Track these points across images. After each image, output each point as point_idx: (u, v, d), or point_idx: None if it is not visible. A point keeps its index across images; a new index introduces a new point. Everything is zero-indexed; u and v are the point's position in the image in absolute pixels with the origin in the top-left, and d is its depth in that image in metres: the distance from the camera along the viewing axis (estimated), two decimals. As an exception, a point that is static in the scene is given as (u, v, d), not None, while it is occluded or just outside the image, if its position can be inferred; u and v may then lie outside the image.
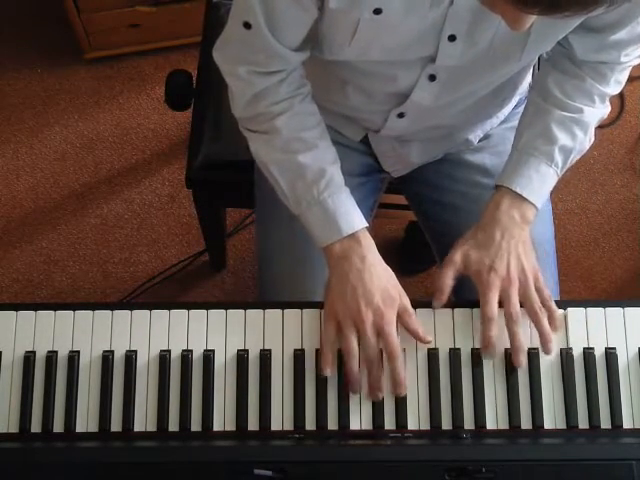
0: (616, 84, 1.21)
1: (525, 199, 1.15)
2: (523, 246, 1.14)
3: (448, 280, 1.14)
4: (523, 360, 1.09)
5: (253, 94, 1.14)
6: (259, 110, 1.15)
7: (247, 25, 1.06)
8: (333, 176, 1.15)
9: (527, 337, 1.11)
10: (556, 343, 1.11)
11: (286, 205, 1.18)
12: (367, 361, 1.08)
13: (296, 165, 1.15)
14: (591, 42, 1.13)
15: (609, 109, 1.23)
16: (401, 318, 1.11)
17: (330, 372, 1.08)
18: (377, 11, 1.01)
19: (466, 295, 1.17)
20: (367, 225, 1.15)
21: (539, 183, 1.17)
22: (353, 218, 1.13)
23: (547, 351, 1.10)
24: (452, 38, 1.06)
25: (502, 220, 1.14)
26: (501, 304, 1.11)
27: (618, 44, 1.13)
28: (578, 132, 1.18)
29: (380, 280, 1.11)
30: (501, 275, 1.11)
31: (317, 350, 1.11)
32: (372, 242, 1.14)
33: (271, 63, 1.11)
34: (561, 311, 1.13)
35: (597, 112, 1.20)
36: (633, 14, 1.08)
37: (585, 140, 1.20)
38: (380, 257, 1.14)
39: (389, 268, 1.14)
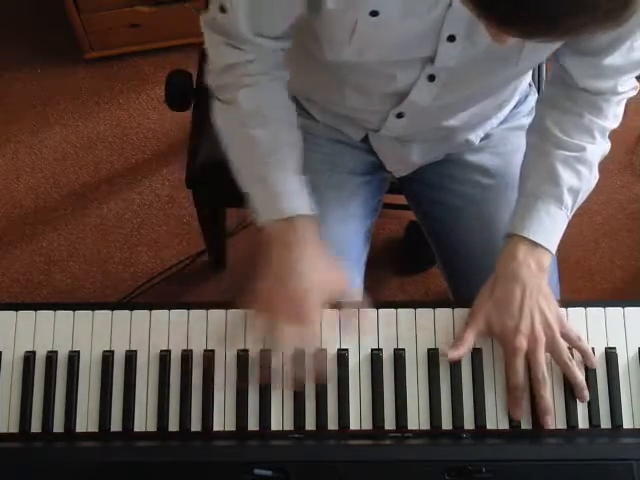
0: (614, 118, 1.19)
1: (539, 245, 1.12)
2: (545, 298, 1.10)
3: (470, 340, 1.09)
4: (550, 421, 1.07)
5: (225, 64, 1.13)
6: (228, 80, 1.14)
7: (222, 9, 1.06)
8: (286, 157, 1.11)
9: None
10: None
11: (237, 180, 1.15)
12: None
13: (249, 139, 1.12)
14: (587, 66, 1.13)
15: (609, 145, 1.20)
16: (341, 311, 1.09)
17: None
18: (373, 13, 1.01)
19: (466, 295, 1.17)
20: (311, 213, 1.10)
21: (551, 227, 1.14)
22: (298, 201, 1.09)
23: (582, 399, 1.08)
24: (451, 39, 1.06)
25: (520, 273, 1.10)
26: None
27: (615, 71, 1.12)
28: (583, 170, 1.15)
29: (315, 272, 1.07)
30: (527, 335, 1.08)
31: (317, 350, 1.11)
32: (311, 230, 1.09)
33: (243, 46, 1.11)
34: (562, 310, 1.13)
35: (599, 149, 1.18)
36: (623, 37, 1.08)
37: (591, 178, 1.17)
38: (316, 247, 1.09)
39: (329, 259, 1.10)
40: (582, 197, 1.18)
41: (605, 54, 1.10)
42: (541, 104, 1.22)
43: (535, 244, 1.12)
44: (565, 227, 1.16)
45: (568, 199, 1.15)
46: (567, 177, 1.15)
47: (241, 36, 1.08)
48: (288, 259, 1.07)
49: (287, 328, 1.05)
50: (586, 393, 1.08)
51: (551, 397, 1.08)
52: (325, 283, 1.08)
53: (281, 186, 1.10)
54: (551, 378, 1.10)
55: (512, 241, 1.13)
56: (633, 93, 1.19)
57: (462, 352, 1.09)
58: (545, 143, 1.17)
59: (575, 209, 1.18)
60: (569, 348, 1.10)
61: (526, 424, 1.09)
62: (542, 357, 1.08)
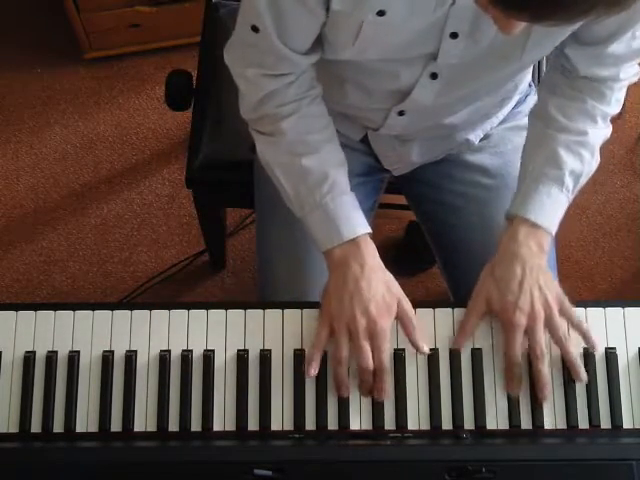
0: (616, 103, 1.20)
1: (540, 227, 1.13)
2: (543, 276, 1.12)
3: (472, 327, 1.11)
4: (547, 395, 1.09)
5: (261, 96, 1.14)
6: (266, 112, 1.16)
7: (255, 29, 1.06)
8: (336, 180, 1.14)
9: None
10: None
11: (290, 208, 1.18)
12: (358, 368, 1.08)
13: (299, 168, 1.15)
14: (589, 55, 1.13)
15: (611, 129, 1.21)
16: (401, 322, 1.11)
17: (314, 372, 1.08)
18: (381, 13, 1.01)
19: (466, 294, 1.16)
20: (369, 231, 1.14)
21: (552, 209, 1.15)
22: (355, 223, 1.13)
23: (578, 379, 1.09)
24: (454, 36, 1.06)
25: (520, 253, 1.12)
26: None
27: (617, 59, 1.13)
28: (585, 154, 1.17)
29: (378, 288, 1.10)
30: (526, 312, 1.09)
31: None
32: (373, 248, 1.14)
33: (280, 66, 1.11)
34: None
35: (601, 133, 1.19)
36: (625, 27, 1.08)
37: (592, 161, 1.18)
38: (381, 263, 1.14)
39: (389, 273, 1.14)
40: (583, 180, 1.19)
41: (607, 43, 1.11)
42: (543, 89, 1.22)
43: (536, 225, 1.14)
44: (566, 209, 1.18)
45: (569, 182, 1.16)
46: (569, 161, 1.16)
47: (277, 53, 1.08)
48: (350, 278, 1.11)
49: (366, 344, 1.08)
50: (583, 372, 1.09)
51: (549, 371, 1.09)
52: (388, 298, 1.11)
53: (337, 211, 1.13)
54: (551, 377, 1.10)
55: (513, 222, 1.15)
56: (635, 79, 1.19)
57: (465, 339, 1.11)
58: (548, 127, 1.18)
59: (576, 192, 1.19)
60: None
61: (526, 424, 1.09)
62: (541, 333, 1.09)
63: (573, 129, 1.17)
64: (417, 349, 1.10)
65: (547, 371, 1.08)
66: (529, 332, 1.09)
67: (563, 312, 1.11)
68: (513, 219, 1.15)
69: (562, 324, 1.10)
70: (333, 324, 1.09)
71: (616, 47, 1.11)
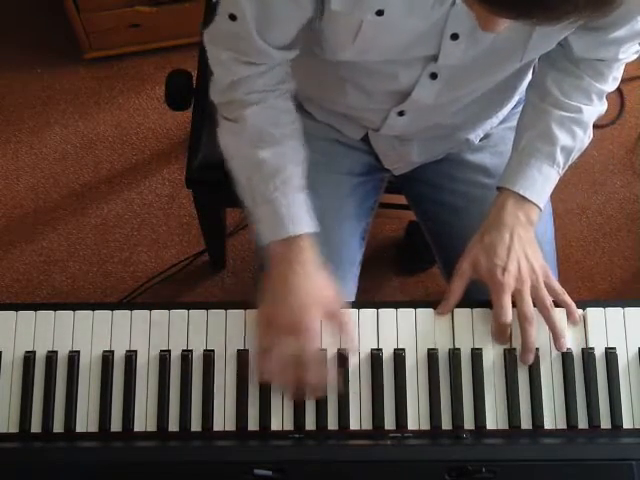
0: (614, 81, 1.21)
1: (528, 200, 1.16)
2: (530, 246, 1.14)
3: (458, 290, 1.14)
4: (531, 359, 1.10)
5: (231, 81, 1.14)
6: (234, 97, 1.15)
7: (232, 17, 1.06)
8: (291, 176, 1.13)
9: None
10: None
11: (241, 198, 1.16)
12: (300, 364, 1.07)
13: (256, 159, 1.13)
14: (590, 41, 1.14)
15: (606, 106, 1.23)
16: (332, 322, 1.10)
17: (265, 377, 1.08)
18: (379, 12, 1.01)
19: (466, 296, 1.16)
20: (314, 231, 1.13)
21: (542, 184, 1.17)
22: (301, 221, 1.12)
23: (560, 347, 1.10)
24: (455, 37, 1.06)
25: (508, 221, 1.15)
26: (514, 304, 1.11)
27: (617, 41, 1.13)
28: (578, 131, 1.19)
29: (314, 287, 1.09)
30: (514, 275, 1.11)
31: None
32: (314, 248, 1.12)
33: (253, 55, 1.11)
34: (561, 309, 1.13)
35: (595, 110, 1.21)
36: (632, 13, 1.08)
37: (585, 138, 1.20)
38: (315, 264, 1.11)
39: (326, 274, 1.12)
40: (575, 155, 1.21)
41: (611, 30, 1.11)
42: (542, 61, 1.23)
43: (525, 199, 1.16)
44: (555, 183, 1.20)
45: (560, 158, 1.18)
46: (562, 137, 1.18)
47: (253, 44, 1.08)
48: (288, 276, 1.10)
49: (288, 341, 1.07)
50: (564, 341, 1.10)
51: (536, 335, 1.10)
52: (322, 299, 1.10)
53: (286, 208, 1.12)
54: (551, 377, 1.10)
55: (503, 194, 1.17)
56: (634, 57, 1.20)
57: (452, 303, 1.13)
58: (543, 102, 1.20)
59: (567, 167, 1.21)
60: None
61: (526, 424, 1.09)
62: (528, 297, 1.11)
63: (568, 106, 1.18)
64: (349, 349, 1.10)
65: (534, 334, 1.09)
66: (517, 296, 1.11)
67: (547, 283, 1.13)
68: (503, 191, 1.18)
69: (547, 293, 1.12)
70: (270, 322, 1.08)
71: (618, 32, 1.11)
